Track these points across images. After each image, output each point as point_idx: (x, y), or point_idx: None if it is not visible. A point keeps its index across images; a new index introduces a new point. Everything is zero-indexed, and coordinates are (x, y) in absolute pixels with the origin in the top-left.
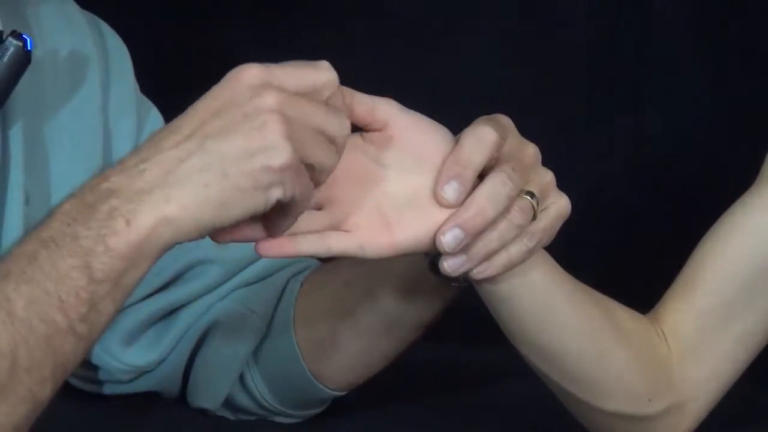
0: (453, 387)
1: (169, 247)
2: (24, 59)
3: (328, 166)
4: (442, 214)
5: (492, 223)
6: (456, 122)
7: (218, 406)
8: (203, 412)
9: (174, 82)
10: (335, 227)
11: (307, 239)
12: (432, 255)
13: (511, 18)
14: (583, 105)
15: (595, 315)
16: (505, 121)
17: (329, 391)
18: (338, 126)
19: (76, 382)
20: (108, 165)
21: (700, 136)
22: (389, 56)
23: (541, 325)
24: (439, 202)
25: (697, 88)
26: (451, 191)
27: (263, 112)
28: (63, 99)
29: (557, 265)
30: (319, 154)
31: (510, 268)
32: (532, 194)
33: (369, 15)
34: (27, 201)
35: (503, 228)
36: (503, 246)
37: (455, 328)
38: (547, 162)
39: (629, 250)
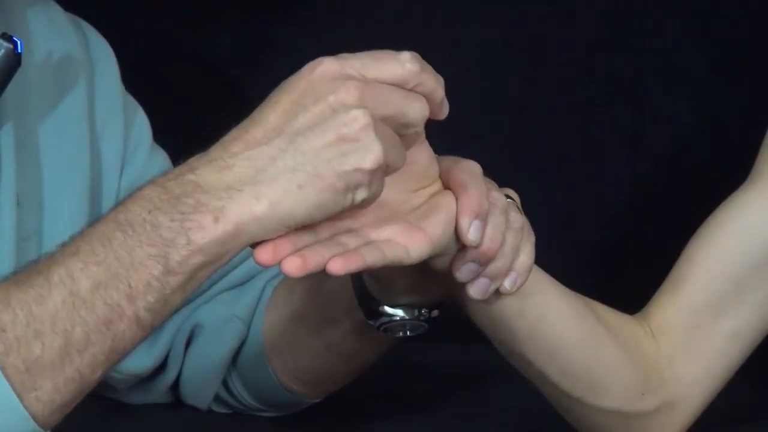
0: (452, 386)
1: (249, 244)
2: (14, 61)
3: (399, 165)
4: (453, 205)
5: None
6: (454, 125)
7: (206, 406)
8: (197, 409)
9: (163, 81)
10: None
11: (368, 250)
12: (383, 321)
13: (510, 18)
14: (581, 106)
15: (583, 307)
16: None
17: (300, 399)
18: (419, 111)
19: None
20: (96, 168)
21: (698, 136)
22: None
23: (542, 318)
24: (466, 243)
25: (696, 88)
26: (476, 232)
27: (350, 107)
28: (49, 102)
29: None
30: (394, 154)
31: (531, 268)
32: (507, 195)
33: (368, 17)
34: (18, 203)
35: (510, 238)
36: (516, 253)
37: (455, 327)
38: (544, 163)
39: (626, 251)
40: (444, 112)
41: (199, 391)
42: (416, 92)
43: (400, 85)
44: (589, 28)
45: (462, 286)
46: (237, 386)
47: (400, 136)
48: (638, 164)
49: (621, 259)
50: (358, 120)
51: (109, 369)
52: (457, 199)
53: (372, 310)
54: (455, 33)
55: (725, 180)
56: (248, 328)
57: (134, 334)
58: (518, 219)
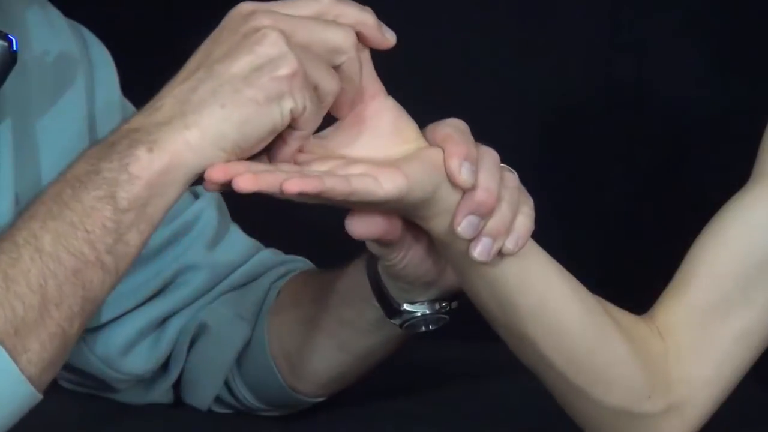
0: (454, 384)
1: (194, 176)
2: (10, 59)
3: (330, 87)
4: (438, 154)
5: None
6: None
7: (206, 407)
8: (197, 409)
9: (162, 86)
10: None
11: (331, 176)
12: (405, 319)
13: (511, 17)
14: (581, 106)
15: (586, 294)
16: None
17: (306, 399)
18: (342, 35)
19: (68, 386)
20: None
21: (699, 136)
22: (390, 54)
23: (545, 294)
24: (459, 185)
25: (696, 86)
26: (467, 172)
27: (260, 28)
28: (49, 102)
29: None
30: (320, 74)
31: (531, 230)
32: None
33: None
34: (17, 201)
35: (507, 195)
36: (515, 212)
37: (455, 325)
38: (545, 162)
39: (627, 252)
40: (388, 38)
41: (200, 392)
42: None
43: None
44: (589, 28)
45: (468, 264)
46: (240, 388)
47: (336, 68)
48: (639, 164)
49: (622, 259)
50: (267, 36)
51: (85, 321)
52: (443, 150)
53: (392, 310)
54: (454, 34)
55: (727, 179)
56: (252, 329)
57: (102, 279)
58: (513, 179)
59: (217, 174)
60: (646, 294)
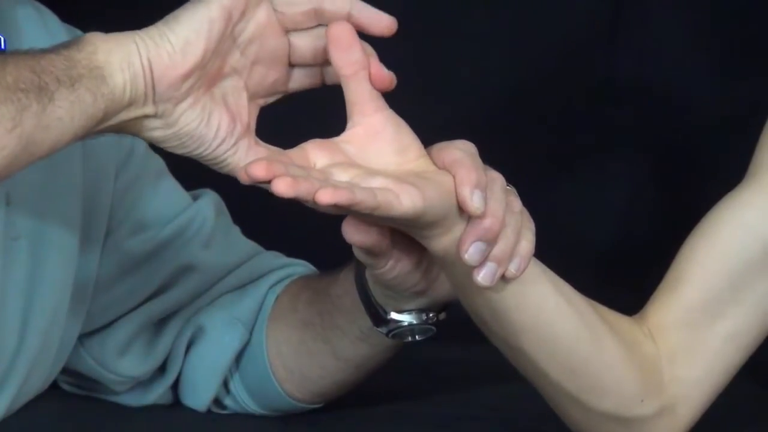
0: (453, 386)
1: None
2: None
3: None
4: (449, 179)
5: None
6: (454, 126)
7: (204, 408)
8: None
9: None
10: None
11: (360, 189)
12: (391, 328)
13: (510, 16)
14: (581, 106)
15: (583, 304)
16: None
17: (303, 405)
18: None
19: (68, 388)
20: (90, 171)
21: (698, 136)
22: (390, 52)
23: (541, 309)
24: (470, 213)
25: (696, 88)
26: (479, 200)
27: None
28: None
29: None
30: None
31: (532, 253)
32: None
33: None
34: (8, 202)
35: (512, 220)
36: (518, 236)
37: (455, 327)
38: (545, 162)
39: (626, 252)
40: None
41: (198, 394)
42: None
43: None
44: (589, 27)
45: (467, 282)
46: (240, 392)
47: None
48: (638, 165)
49: (621, 259)
50: None
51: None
52: (454, 176)
53: (379, 318)
54: (454, 34)
55: (727, 180)
56: (250, 332)
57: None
58: (517, 203)
59: (259, 171)
60: (645, 294)
